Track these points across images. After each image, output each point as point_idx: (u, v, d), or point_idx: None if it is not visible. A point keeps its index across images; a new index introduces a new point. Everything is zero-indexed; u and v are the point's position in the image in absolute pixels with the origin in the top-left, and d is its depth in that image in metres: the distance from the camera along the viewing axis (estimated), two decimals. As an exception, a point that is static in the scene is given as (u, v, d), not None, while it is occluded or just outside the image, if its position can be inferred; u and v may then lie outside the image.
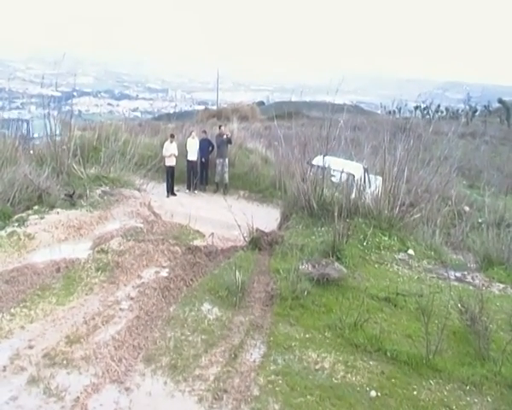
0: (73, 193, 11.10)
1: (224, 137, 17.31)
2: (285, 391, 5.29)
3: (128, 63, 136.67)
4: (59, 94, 20.45)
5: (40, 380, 5.31)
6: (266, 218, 12.01)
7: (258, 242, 9.27)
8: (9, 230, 9.32)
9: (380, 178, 12.14)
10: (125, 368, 5.62)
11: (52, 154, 12.74)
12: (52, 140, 13.10)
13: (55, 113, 15.94)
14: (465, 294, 7.15)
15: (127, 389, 5.28)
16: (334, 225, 8.88)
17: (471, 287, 8.15)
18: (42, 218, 9.98)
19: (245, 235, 9.62)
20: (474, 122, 45.84)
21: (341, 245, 8.70)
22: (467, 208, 17.31)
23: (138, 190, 13.20)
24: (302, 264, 7.83)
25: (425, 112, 49.61)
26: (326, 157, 11.30)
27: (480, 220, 14.04)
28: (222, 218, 11.51)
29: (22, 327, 6.33)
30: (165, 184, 16.36)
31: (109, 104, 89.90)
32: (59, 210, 10.47)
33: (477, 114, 49.85)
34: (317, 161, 11.73)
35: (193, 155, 16.91)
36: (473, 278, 8.72)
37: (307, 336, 6.34)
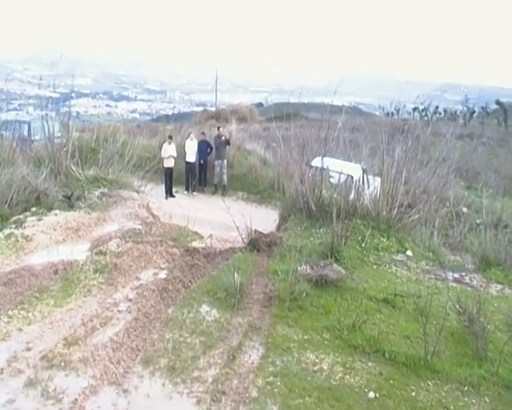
0: (71, 194, 11.10)
1: (223, 138, 17.30)
2: (283, 393, 5.29)
3: (126, 64, 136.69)
4: (57, 95, 20.43)
5: (38, 382, 5.29)
6: (265, 219, 12.02)
7: (256, 243, 9.26)
8: (7, 231, 9.32)
9: (378, 179, 12.15)
10: (123, 370, 5.61)
11: (50, 155, 12.74)
12: (50, 141, 13.10)
13: (53, 114, 15.95)
14: (463, 295, 7.17)
15: (125, 390, 5.27)
16: (333, 226, 8.88)
17: (469, 288, 8.16)
18: (40, 219, 9.96)
19: (243, 236, 9.62)
20: (471, 124, 45.95)
21: (340, 246, 8.70)
22: (465, 210, 17.33)
23: (137, 191, 13.19)
24: (300, 265, 7.83)
25: (423, 113, 49.68)
26: (325, 158, 11.31)
27: (477, 221, 14.06)
28: (220, 219, 11.50)
29: (20, 329, 6.32)
30: (163, 186, 16.34)
31: (107, 105, 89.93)
32: (57, 212, 10.46)
33: (475, 115, 49.96)
34: (316, 162, 11.74)
35: (191, 156, 16.90)
36: (471, 279, 8.73)
37: (305, 337, 6.34)
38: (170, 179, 16.41)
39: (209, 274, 8.17)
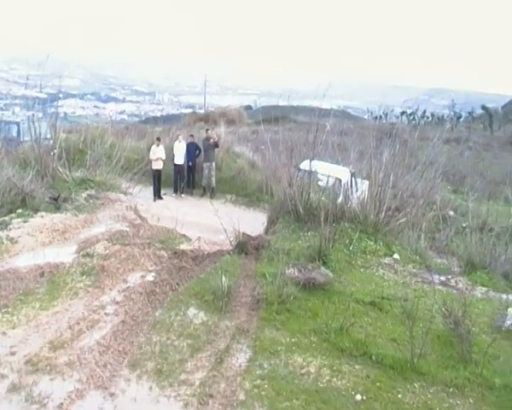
0: (58, 196, 11.02)
1: (211, 140, 17.30)
2: (271, 396, 5.29)
3: (115, 66, 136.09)
4: (44, 96, 20.28)
5: (22, 387, 5.22)
6: (253, 222, 12.01)
7: (244, 246, 9.26)
8: (-8, 233, 9.21)
9: (366, 183, 12.22)
10: (109, 373, 5.57)
11: (37, 156, 12.64)
12: (37, 142, 13.00)
13: (40, 115, 15.83)
14: (449, 298, 7.23)
15: (112, 394, 5.23)
16: (321, 229, 8.91)
17: (455, 291, 8.24)
18: (25, 221, 9.88)
19: (231, 239, 9.61)
20: (458, 128, 46.44)
21: (327, 250, 8.73)
22: (451, 213, 17.47)
23: (124, 193, 13.15)
24: (288, 268, 7.83)
25: (411, 117, 50.13)
26: (313, 162, 11.34)
27: (464, 225, 14.17)
28: (208, 222, 11.48)
29: (4, 333, 6.25)
30: (151, 188, 16.29)
31: (96, 107, 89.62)
32: (43, 214, 10.38)
33: (461, 120, 50.54)
34: (304, 165, 11.77)
35: (180, 158, 16.87)
36: (456, 282, 8.81)
37: (293, 340, 6.34)
38: (158, 181, 16.36)
39: (197, 277, 8.15)
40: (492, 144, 39.56)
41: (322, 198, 10.62)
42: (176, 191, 16.96)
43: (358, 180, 13.69)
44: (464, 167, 28.05)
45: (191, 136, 18.15)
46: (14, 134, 17.37)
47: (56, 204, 10.82)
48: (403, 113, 50.18)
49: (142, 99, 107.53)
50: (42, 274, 7.91)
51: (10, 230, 9.43)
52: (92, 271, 8.15)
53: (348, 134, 27.19)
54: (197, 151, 17.34)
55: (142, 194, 14.66)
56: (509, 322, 6.77)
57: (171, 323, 6.67)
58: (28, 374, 5.44)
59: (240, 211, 14.92)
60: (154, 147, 16.44)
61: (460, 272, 9.61)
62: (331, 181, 11.41)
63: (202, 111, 43.01)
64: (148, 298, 7.35)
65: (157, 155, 16.23)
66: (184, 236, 10.85)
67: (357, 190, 13.16)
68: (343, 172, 13.18)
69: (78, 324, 6.54)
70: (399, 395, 5.43)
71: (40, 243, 9.28)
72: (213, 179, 16.97)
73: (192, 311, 6.98)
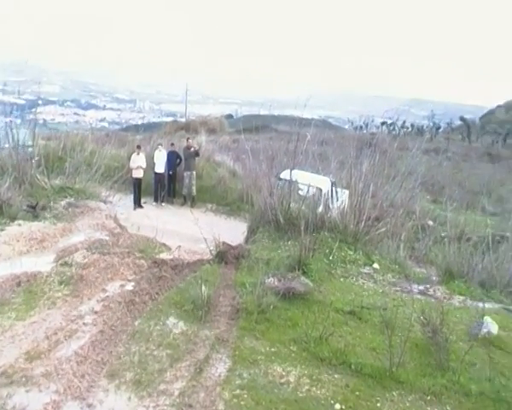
0: (36, 204, 10.88)
1: (192, 149, 17.32)
2: (250, 405, 5.26)
3: (95, 73, 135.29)
4: (22, 102, 20.08)
5: (-5, 400, 5.12)
6: (233, 231, 12.02)
7: (224, 255, 9.23)
8: (-33, 242, 9.05)
9: (346, 192, 12.33)
10: (87, 384, 5.49)
11: (14, 163, 12.47)
12: (15, 149, 12.83)
13: (19, 121, 15.65)
14: (427, 307, 7.28)
15: (89, 405, 5.15)
16: (301, 239, 8.93)
17: (433, 300, 8.31)
18: (2, 230, 9.72)
19: (211, 248, 9.59)
20: (437, 139, 47.25)
21: (307, 259, 8.74)
22: (430, 223, 17.71)
23: (104, 201, 13.03)
24: (268, 278, 7.83)
25: (391, 128, 50.76)
26: (293, 171, 11.40)
27: (442, 235, 14.36)
28: (189, 231, 11.44)
29: (-22, 344, 6.12)
30: (131, 196, 16.20)
31: (76, 114, 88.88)
32: (20, 222, 10.22)
33: (440, 130, 51.40)
34: (285, 174, 11.83)
35: (160, 167, 16.84)
36: (435, 291, 8.90)
37: (273, 350, 6.33)
38: (138, 190, 16.29)
39: (176, 286, 8.09)
40: (470, 155, 40.35)
41: (303, 208, 10.67)
42: (156, 200, 16.91)
43: (339, 190, 13.80)
44: (443, 178, 28.54)
45: (172, 144, 18.15)
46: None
47: (34, 212, 10.67)
48: (383, 123, 50.88)
49: (122, 107, 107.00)
50: (18, 284, 7.77)
51: (-14, 238, 9.27)
52: (70, 280, 8.04)
53: (329, 144, 27.46)
54: (178, 160, 17.33)
55: (122, 202, 14.54)
56: (484, 330, 6.86)
57: (151, 332, 6.60)
58: (2, 387, 5.31)
59: (220, 220, 14.94)
60: (134, 155, 16.37)
61: (438, 281, 9.72)
62: (312, 191, 11.47)
63: (183, 119, 42.97)
64: (127, 308, 7.27)
65: (137, 163, 16.16)
66: (164, 245, 10.79)
67: (337, 200, 13.26)
68: (323, 182, 13.27)
69: (55, 334, 6.43)
70: (378, 404, 5.45)
71: (17, 251, 9.12)
72: (194, 188, 16.96)
73: (171, 320, 6.92)
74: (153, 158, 16.90)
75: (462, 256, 10.00)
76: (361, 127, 47.11)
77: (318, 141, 22.36)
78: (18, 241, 9.43)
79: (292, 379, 5.76)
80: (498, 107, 67.46)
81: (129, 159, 16.63)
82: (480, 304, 7.76)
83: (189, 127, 34.02)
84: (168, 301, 7.47)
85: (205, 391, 5.44)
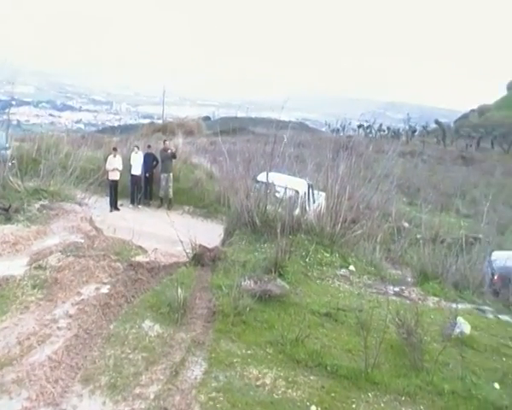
0: (9, 207, 10.67)
1: (169, 151, 17.25)
2: (226, 408, 5.24)
3: (71, 74, 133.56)
4: (-5, 102, 19.69)
5: (-37, 410, 4.99)
6: (210, 233, 11.99)
7: (200, 258, 9.20)
8: None
9: (323, 194, 12.40)
10: (61, 389, 5.40)
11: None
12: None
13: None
14: (402, 308, 7.36)
15: (62, 411, 5.08)
16: (277, 241, 8.96)
17: (408, 301, 8.42)
18: (-27, 233, 9.52)
19: (188, 251, 9.54)
20: (413, 142, 47.84)
21: (284, 261, 8.76)
22: (406, 225, 17.95)
23: (79, 204, 12.85)
24: (244, 280, 7.81)
25: (368, 130, 51.29)
26: (270, 173, 11.42)
27: (417, 236, 14.56)
28: (165, 233, 11.35)
29: None
30: (108, 199, 16.04)
31: (51, 115, 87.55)
32: (-8, 225, 10.03)
33: (416, 133, 52.04)
34: (262, 177, 11.85)
35: (137, 169, 16.72)
36: (410, 292, 9.02)
37: (249, 352, 6.33)
38: (115, 192, 16.15)
39: (153, 289, 8.02)
40: (445, 158, 41.00)
41: (279, 210, 10.69)
42: (133, 202, 16.78)
43: (315, 192, 13.87)
44: (418, 180, 28.95)
45: (149, 146, 18.05)
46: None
47: (7, 215, 10.47)
48: (360, 126, 51.40)
49: (99, 108, 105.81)
50: (-10, 288, 7.62)
51: (-43, 242, 9.07)
52: (44, 283, 7.90)
53: (306, 146, 27.62)
54: (154, 162, 17.23)
55: (98, 205, 14.37)
56: (457, 330, 6.98)
57: (126, 336, 6.53)
58: (-29, 395, 5.21)
59: (197, 222, 14.89)
60: (110, 157, 16.23)
61: (413, 282, 9.85)
62: (288, 193, 11.51)
63: (160, 121, 42.71)
64: (102, 311, 7.18)
65: (114, 165, 16.03)
66: (141, 247, 10.69)
67: (314, 202, 13.33)
68: (300, 184, 13.32)
69: (28, 339, 6.31)
70: (354, 405, 5.49)
71: (-11, 255, 8.95)
72: (171, 190, 16.89)
73: (147, 323, 6.86)
74: (129, 160, 16.77)
75: (436, 258, 10.16)
76: (338, 130, 47.41)
77: (295, 143, 22.48)
78: (-11, 244, 9.25)
79: (268, 381, 5.76)
80: (472, 111, 68.86)
81: (105, 161, 16.48)
82: (454, 305, 7.89)
83: (166, 129, 33.86)
84: (144, 304, 7.41)
85: (180, 394, 5.41)
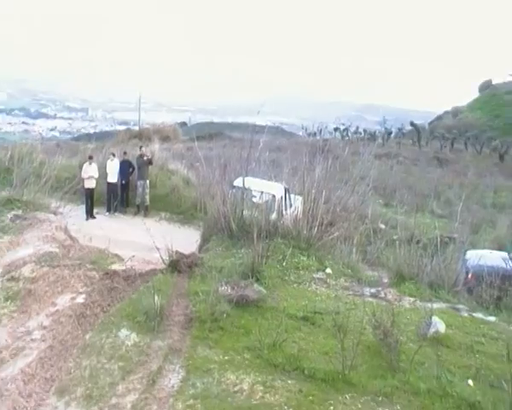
0: (-20, 218, 10.48)
1: (145, 158, 17.15)
2: (203, 415, 5.23)
3: (45, 81, 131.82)
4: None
5: None
6: (187, 240, 11.95)
7: (177, 264, 9.14)
8: None
9: (300, 198, 12.45)
10: (34, 403, 5.33)
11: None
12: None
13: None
14: (379, 309, 7.41)
15: (36, 425, 5.00)
16: (254, 246, 8.96)
17: (384, 302, 8.49)
18: None
19: (164, 257, 9.48)
20: (389, 144, 48.34)
21: (260, 266, 8.78)
22: (382, 226, 18.15)
23: (54, 213, 12.66)
24: (221, 286, 7.80)
25: (344, 133, 51.67)
26: (246, 178, 11.43)
27: (394, 237, 14.70)
28: (142, 240, 11.25)
29: None
30: (83, 207, 15.86)
31: (24, 123, 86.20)
32: (-37, 236, 9.83)
33: (392, 136, 52.56)
34: (238, 182, 11.85)
35: (113, 176, 16.60)
36: (386, 293, 9.09)
37: (226, 358, 6.31)
38: (91, 200, 16.00)
39: (129, 297, 7.95)
40: (420, 159, 41.54)
41: (256, 215, 10.70)
42: (109, 210, 16.64)
43: (292, 196, 13.92)
44: (394, 181, 29.26)
45: (125, 153, 17.92)
46: None
47: (-22, 226, 10.28)
48: (336, 129, 51.81)
49: (74, 115, 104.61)
50: (-40, 301, 7.47)
51: None
52: (17, 295, 7.78)
53: (282, 150, 27.69)
54: (131, 169, 17.12)
55: (73, 213, 14.14)
56: (432, 330, 7.07)
57: (102, 345, 6.47)
58: None
59: (174, 229, 14.83)
60: (86, 165, 16.08)
61: (389, 283, 9.93)
62: (265, 197, 11.54)
63: (137, 128, 42.40)
64: (77, 321, 7.11)
65: (89, 173, 15.89)
66: (117, 255, 10.59)
67: (290, 206, 13.37)
68: (277, 189, 13.37)
69: (0, 353, 6.22)
70: (331, 407, 5.51)
71: (-41, 267, 8.77)
72: (147, 197, 16.80)
73: (124, 332, 6.80)
74: (105, 168, 16.63)
75: (412, 258, 10.26)
76: (314, 133, 47.75)
77: (272, 148, 22.58)
78: (-40, 256, 9.07)
79: (245, 387, 5.76)
80: (446, 112, 69.91)
81: (80, 169, 16.31)
82: (429, 304, 7.99)
83: (142, 135, 33.65)
84: (120, 313, 7.34)
85: (157, 403, 5.39)
